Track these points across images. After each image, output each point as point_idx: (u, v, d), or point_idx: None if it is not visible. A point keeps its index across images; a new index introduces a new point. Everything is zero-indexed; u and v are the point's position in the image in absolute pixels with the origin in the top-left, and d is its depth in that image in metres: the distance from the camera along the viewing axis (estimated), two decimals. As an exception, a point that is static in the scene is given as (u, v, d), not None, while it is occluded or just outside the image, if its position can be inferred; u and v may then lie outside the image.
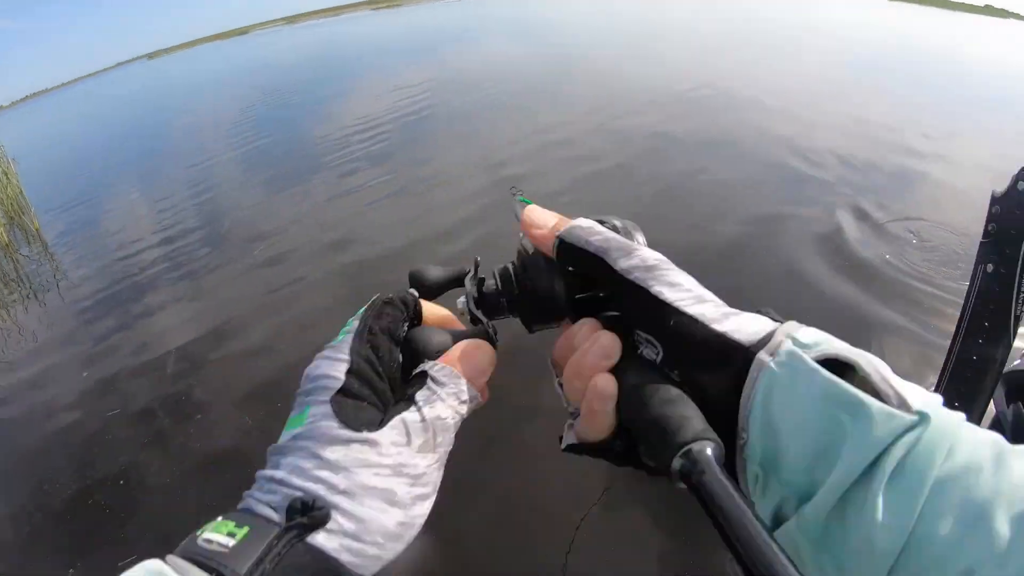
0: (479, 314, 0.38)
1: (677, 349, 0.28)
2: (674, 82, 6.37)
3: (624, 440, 0.31)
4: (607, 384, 0.29)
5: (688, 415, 0.27)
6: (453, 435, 0.33)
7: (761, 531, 0.22)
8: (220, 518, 0.26)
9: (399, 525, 0.29)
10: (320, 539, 0.26)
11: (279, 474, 0.28)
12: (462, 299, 0.39)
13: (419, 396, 0.31)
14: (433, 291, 0.40)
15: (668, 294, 0.29)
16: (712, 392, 0.27)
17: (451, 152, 5.07)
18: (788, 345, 0.26)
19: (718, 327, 0.27)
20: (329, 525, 0.26)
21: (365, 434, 0.29)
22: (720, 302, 0.30)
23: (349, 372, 0.31)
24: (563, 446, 0.33)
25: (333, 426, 0.29)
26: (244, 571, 0.24)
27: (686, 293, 0.29)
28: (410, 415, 0.30)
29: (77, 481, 2.17)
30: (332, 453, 0.28)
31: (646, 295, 0.30)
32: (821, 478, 0.24)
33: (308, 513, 0.26)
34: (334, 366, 0.31)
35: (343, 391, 0.30)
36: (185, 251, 4.15)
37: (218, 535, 0.25)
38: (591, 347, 0.30)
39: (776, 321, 0.28)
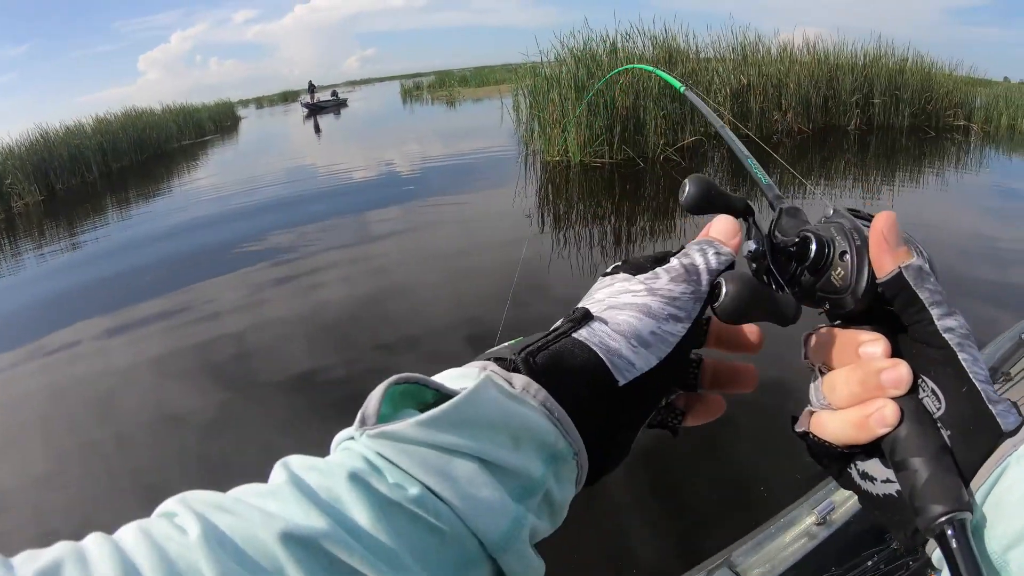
0: (773, 270, 0.38)
1: (959, 415, 0.31)
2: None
3: (859, 459, 0.34)
4: (894, 414, 0.31)
5: (958, 482, 0.29)
6: (711, 278, 0.34)
7: None
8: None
9: (652, 335, 0.32)
10: (583, 334, 0.32)
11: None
12: (753, 244, 0.39)
13: (672, 258, 0.35)
14: (701, 204, 0.38)
15: (972, 366, 0.31)
16: (961, 459, 0.30)
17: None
18: None
19: (992, 407, 0.30)
20: (591, 324, 0.32)
21: (622, 274, 0.35)
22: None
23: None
24: (797, 429, 0.37)
25: (604, 278, 0.37)
26: (515, 354, 0.30)
27: (981, 369, 0.31)
28: (664, 266, 0.35)
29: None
30: (598, 291, 0.35)
31: (953, 357, 0.32)
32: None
33: (579, 320, 0.32)
34: None
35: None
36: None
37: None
38: (890, 371, 0.32)
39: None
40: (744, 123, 10.32)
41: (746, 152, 0.61)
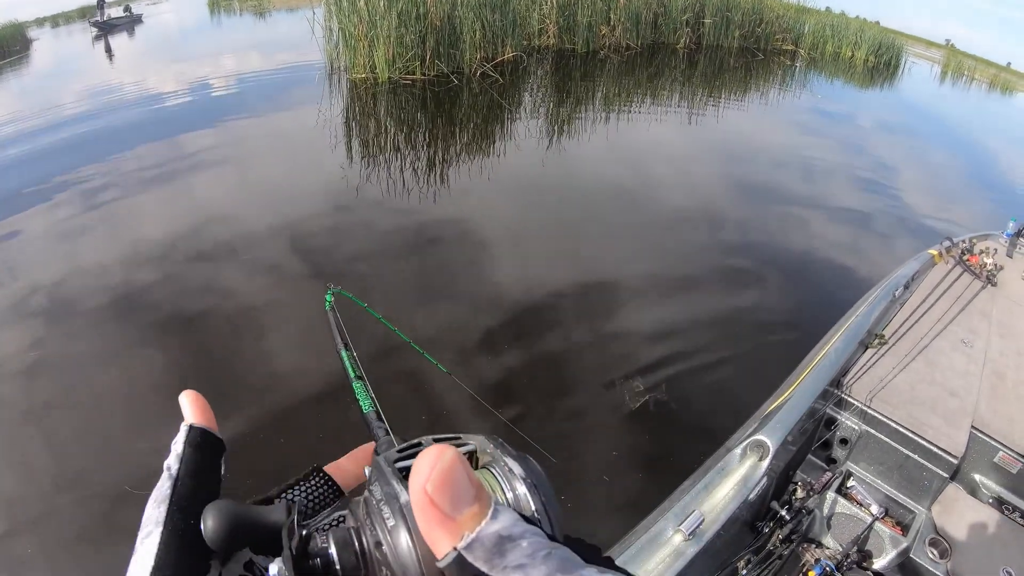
0: None
1: None
2: None
3: None
4: None
5: None
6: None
7: None
8: None
9: None
10: None
11: None
12: (277, 567, 0.27)
13: None
14: (234, 537, 0.28)
15: None
16: None
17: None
18: None
19: None
20: None
21: None
22: None
23: None
24: None
25: None
26: None
27: None
28: None
29: None
30: None
31: None
32: None
33: None
34: None
35: None
36: None
37: None
38: None
39: None
40: (570, 37, 9.85)
41: (355, 375, 0.53)
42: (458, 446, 0.30)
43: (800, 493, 1.72)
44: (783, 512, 1.61)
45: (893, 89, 15.17)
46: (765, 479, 1.50)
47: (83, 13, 20.99)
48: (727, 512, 1.39)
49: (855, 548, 1.64)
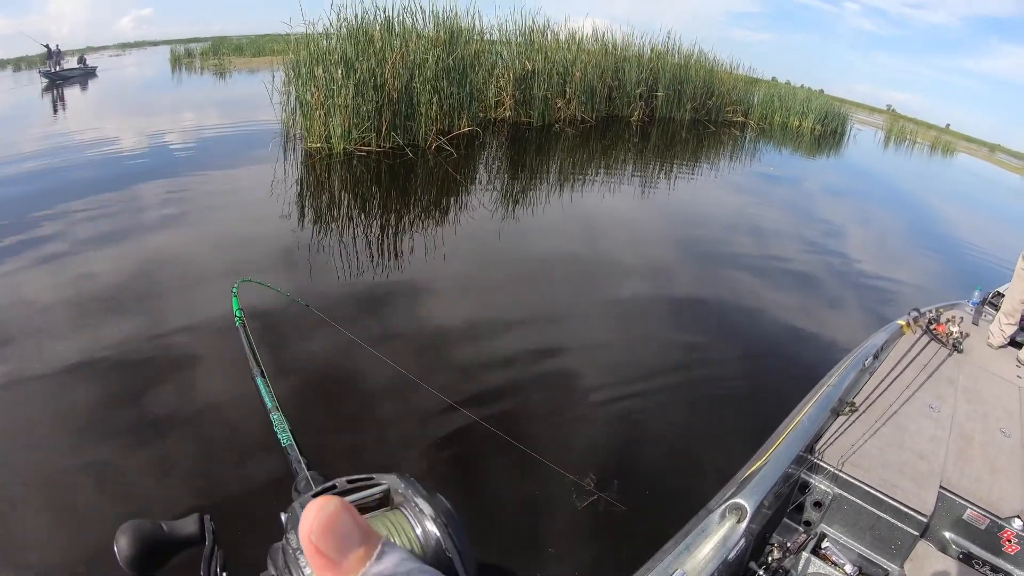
0: None
1: None
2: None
3: None
4: None
5: None
6: None
7: None
8: None
9: None
10: None
11: None
12: None
13: None
14: (149, 557, 0.32)
15: None
16: None
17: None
18: None
19: None
20: None
21: None
22: None
23: None
24: None
25: None
26: None
27: None
28: None
29: None
30: None
31: None
32: None
33: None
34: None
35: None
36: None
37: None
38: None
39: None
40: (526, 110, 10.23)
41: (272, 405, 0.53)
42: (371, 486, 0.32)
43: (777, 554, 1.79)
44: (761, 572, 1.67)
45: (840, 156, 16.13)
46: (743, 540, 1.55)
47: (45, 60, 20.70)
48: (707, 572, 1.43)
49: None
